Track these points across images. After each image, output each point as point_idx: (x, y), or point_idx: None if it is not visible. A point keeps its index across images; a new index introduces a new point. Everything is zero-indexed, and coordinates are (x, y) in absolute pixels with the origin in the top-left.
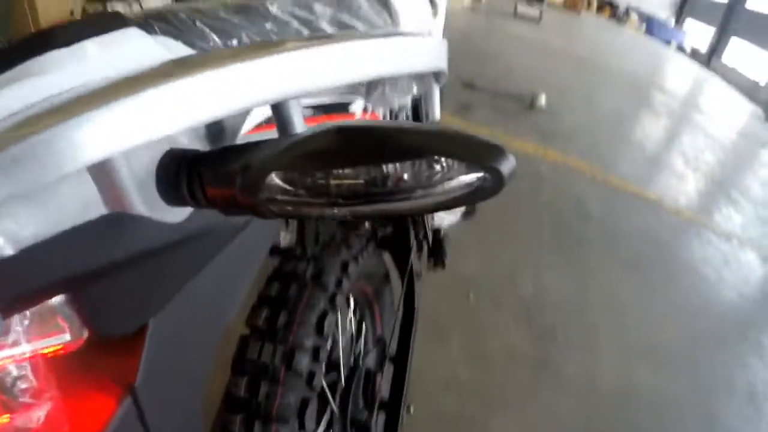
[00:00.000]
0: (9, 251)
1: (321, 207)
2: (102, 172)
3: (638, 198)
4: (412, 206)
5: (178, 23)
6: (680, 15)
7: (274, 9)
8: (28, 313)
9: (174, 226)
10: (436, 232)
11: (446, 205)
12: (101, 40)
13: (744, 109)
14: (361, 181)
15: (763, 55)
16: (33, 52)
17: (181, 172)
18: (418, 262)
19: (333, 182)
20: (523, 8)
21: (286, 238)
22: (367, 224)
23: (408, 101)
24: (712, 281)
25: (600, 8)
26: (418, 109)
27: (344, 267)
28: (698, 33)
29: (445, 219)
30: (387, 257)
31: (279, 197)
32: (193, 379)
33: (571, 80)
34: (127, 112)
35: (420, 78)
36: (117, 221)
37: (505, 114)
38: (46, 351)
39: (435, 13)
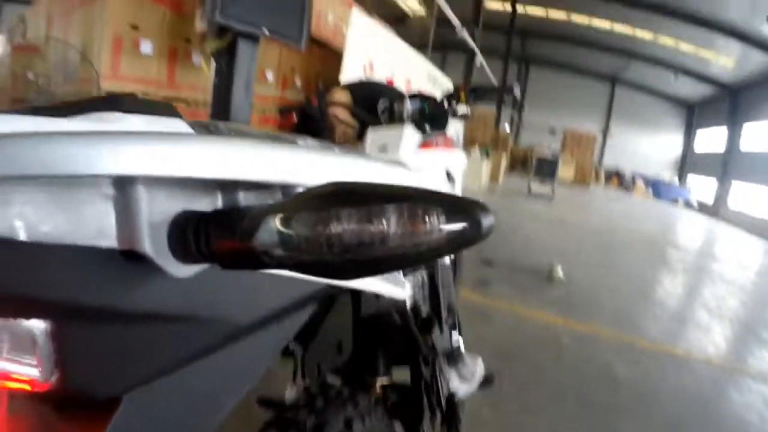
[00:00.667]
0: (22, 236)
1: (316, 253)
2: (123, 208)
3: (667, 356)
4: (399, 252)
5: (216, 132)
6: (682, 173)
7: (300, 142)
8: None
9: (174, 291)
10: (450, 398)
11: (434, 252)
12: (152, 118)
13: (757, 248)
14: (353, 226)
15: (765, 192)
16: (101, 107)
17: (190, 226)
18: (430, 430)
19: (328, 228)
20: (536, 187)
21: (291, 392)
22: (378, 389)
23: None
24: (756, 425)
25: (608, 179)
26: (434, 279)
27: (348, 424)
28: (702, 186)
29: (460, 388)
30: (398, 427)
31: (276, 245)
32: None
33: (588, 250)
34: (141, 147)
35: None
36: (123, 261)
37: (523, 288)
38: (8, 382)
39: (453, 185)
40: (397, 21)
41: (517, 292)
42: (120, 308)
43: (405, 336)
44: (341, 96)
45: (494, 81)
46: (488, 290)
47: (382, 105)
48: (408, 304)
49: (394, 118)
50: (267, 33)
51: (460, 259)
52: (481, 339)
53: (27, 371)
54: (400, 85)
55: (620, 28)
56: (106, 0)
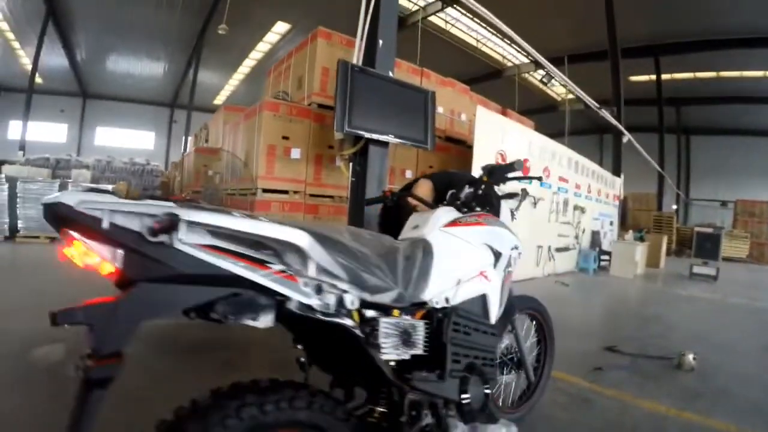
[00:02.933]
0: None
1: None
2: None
3: None
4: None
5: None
6: None
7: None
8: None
9: (178, 258)
10: None
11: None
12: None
13: None
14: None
15: None
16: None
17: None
18: None
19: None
20: (699, 268)
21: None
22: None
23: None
24: None
25: None
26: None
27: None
28: None
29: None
30: None
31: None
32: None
33: (742, 336)
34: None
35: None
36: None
37: (643, 376)
38: (107, 269)
39: (496, 257)
40: (549, 108)
41: (634, 380)
42: (147, 254)
43: (364, 362)
44: (423, 186)
45: (648, 157)
46: (600, 377)
47: (449, 192)
48: (360, 333)
49: (455, 202)
50: (393, 138)
51: (549, 338)
52: (572, 425)
53: (118, 264)
54: (538, 173)
55: None
56: (262, 117)
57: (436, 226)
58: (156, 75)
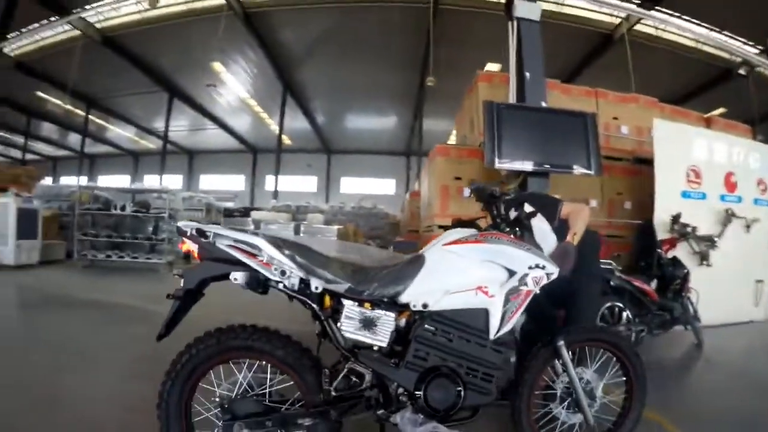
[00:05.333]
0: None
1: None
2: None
3: None
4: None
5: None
6: None
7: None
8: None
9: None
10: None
11: None
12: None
13: None
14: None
15: None
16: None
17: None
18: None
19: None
20: None
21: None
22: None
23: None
24: None
25: None
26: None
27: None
28: None
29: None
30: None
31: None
32: None
33: None
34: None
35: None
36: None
37: None
38: (194, 252)
39: (508, 275)
40: None
41: None
42: (205, 247)
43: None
44: None
45: None
46: None
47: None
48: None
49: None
50: (549, 167)
51: (637, 380)
52: None
53: (196, 251)
54: (749, 189)
55: None
56: (436, 161)
57: (438, 244)
58: (388, 128)
